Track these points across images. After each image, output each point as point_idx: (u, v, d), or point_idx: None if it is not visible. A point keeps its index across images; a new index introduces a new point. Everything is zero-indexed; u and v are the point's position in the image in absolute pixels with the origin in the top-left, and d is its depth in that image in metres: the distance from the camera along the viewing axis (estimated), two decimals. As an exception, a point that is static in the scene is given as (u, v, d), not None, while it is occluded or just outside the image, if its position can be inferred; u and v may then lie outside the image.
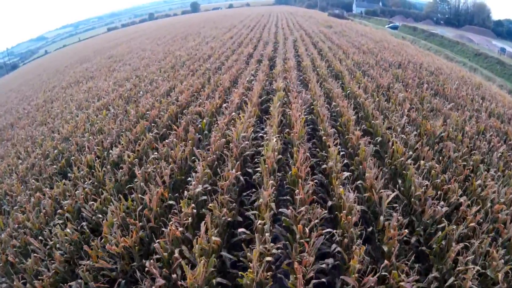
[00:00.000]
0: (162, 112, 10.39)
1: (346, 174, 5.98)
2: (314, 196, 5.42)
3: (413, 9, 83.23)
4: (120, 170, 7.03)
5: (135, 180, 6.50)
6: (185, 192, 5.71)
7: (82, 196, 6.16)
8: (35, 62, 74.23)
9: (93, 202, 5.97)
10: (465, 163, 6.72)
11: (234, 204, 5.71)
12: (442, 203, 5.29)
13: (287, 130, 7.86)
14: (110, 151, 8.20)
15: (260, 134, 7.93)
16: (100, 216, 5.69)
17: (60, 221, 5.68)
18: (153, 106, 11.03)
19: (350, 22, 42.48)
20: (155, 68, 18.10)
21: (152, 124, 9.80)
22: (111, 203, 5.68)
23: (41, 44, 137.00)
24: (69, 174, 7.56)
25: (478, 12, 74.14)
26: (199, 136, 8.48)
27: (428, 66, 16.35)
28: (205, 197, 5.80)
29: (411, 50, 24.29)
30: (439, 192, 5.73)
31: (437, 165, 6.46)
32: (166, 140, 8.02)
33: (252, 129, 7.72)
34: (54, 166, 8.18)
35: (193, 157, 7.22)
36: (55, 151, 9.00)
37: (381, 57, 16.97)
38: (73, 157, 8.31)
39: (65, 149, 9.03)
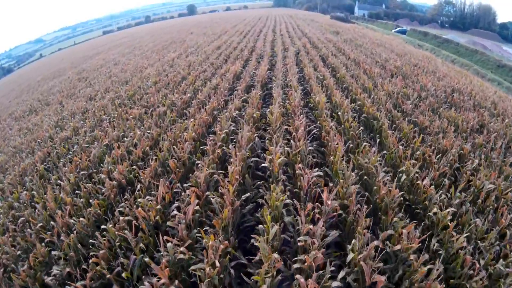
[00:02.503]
0: (73, 219, 5.25)
1: None
2: None
3: (414, 11, 77.77)
4: None
5: None
6: None
7: None
8: (27, 67, 69.80)
9: None
10: None
11: None
12: None
13: None
14: None
15: None
16: None
17: None
18: (65, 201, 5.81)
19: (356, 26, 36.89)
20: (112, 97, 12.73)
21: (53, 253, 4.72)
22: None
23: (39, 46, 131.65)
24: None
25: (484, 15, 68.91)
26: None
27: (482, 100, 10.97)
28: None
29: (439, 64, 18.85)
30: None
31: None
32: None
33: None
34: None
35: None
36: None
37: (420, 83, 11.58)
38: None
39: None
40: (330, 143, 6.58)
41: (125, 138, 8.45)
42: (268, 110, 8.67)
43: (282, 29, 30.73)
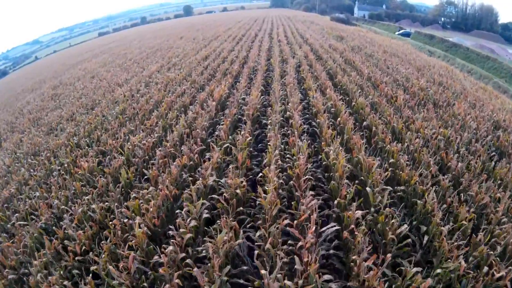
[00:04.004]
0: None
1: None
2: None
3: (414, 11, 74.58)
4: None
5: None
6: None
7: None
8: (20, 71, 66.55)
9: None
10: None
11: None
12: None
13: None
14: None
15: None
16: None
17: None
18: None
19: (359, 29, 33.77)
20: (70, 132, 9.93)
21: None
22: None
23: (35, 48, 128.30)
24: None
25: (486, 16, 65.93)
26: None
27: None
28: None
29: (462, 79, 15.94)
30: None
31: None
32: None
33: None
34: None
35: None
36: None
37: (458, 118, 8.70)
38: None
39: None
40: (358, 266, 3.64)
41: (65, 216, 5.62)
42: (261, 174, 5.71)
43: (279, 33, 27.60)
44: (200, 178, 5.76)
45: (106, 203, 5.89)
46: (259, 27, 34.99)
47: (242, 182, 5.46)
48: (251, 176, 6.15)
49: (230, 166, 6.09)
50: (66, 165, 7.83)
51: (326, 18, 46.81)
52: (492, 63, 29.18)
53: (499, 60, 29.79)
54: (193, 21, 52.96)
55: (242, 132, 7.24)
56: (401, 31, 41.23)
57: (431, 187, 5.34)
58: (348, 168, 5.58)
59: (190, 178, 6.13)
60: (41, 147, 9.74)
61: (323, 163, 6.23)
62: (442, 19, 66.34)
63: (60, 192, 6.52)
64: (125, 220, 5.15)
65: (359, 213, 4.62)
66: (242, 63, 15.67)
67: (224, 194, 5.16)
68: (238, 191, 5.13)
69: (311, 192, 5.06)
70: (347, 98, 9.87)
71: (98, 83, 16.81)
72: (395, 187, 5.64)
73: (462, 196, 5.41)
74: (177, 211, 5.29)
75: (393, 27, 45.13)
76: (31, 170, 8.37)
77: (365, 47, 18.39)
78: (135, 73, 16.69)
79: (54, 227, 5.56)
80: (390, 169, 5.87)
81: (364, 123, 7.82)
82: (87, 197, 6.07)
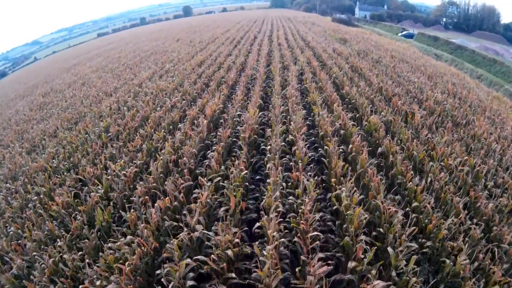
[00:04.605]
0: None
1: None
2: None
3: (416, 12, 73.28)
4: None
5: None
6: None
7: None
8: (19, 72, 65.39)
9: None
10: None
11: None
12: None
13: None
14: None
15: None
16: None
17: None
18: None
19: (362, 31, 32.57)
20: (50, 153, 9.10)
21: None
22: None
23: (35, 48, 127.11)
24: None
25: (488, 16, 64.65)
26: None
27: None
28: None
29: (475, 88, 14.83)
30: None
31: None
32: None
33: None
34: None
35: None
36: None
37: (479, 138, 7.64)
38: None
39: None
40: None
41: (36, 267, 4.77)
42: (259, 224, 4.61)
43: (280, 36, 26.39)
44: (185, 228, 4.66)
45: (80, 253, 4.91)
46: (259, 28, 33.79)
47: (235, 233, 4.38)
48: (246, 226, 5.03)
49: (222, 209, 5.03)
50: (42, 195, 6.83)
51: (327, 19, 45.58)
52: (499, 67, 28.02)
53: (506, 63, 28.63)
54: (192, 22, 51.74)
55: (237, 162, 6.13)
56: (404, 32, 40.02)
57: (462, 243, 4.29)
58: (365, 218, 4.46)
59: (175, 223, 5.04)
60: (20, 169, 8.73)
61: (334, 207, 5.11)
62: (444, 19, 65.09)
63: (34, 231, 5.59)
64: (98, 283, 4.12)
65: (379, 285, 3.55)
66: (239, 70, 14.54)
67: (212, 255, 4.06)
68: (229, 252, 4.03)
69: (320, 255, 3.95)
70: (357, 115, 8.73)
71: (88, 91, 15.72)
72: (419, 239, 4.56)
73: (496, 253, 4.35)
74: (158, 271, 4.23)
75: (396, 28, 43.91)
76: (8, 198, 7.39)
77: (371, 52, 17.23)
78: (126, 80, 15.57)
79: (25, 280, 4.73)
80: (414, 215, 4.76)
81: (379, 149, 6.70)
82: (60, 243, 5.09)
